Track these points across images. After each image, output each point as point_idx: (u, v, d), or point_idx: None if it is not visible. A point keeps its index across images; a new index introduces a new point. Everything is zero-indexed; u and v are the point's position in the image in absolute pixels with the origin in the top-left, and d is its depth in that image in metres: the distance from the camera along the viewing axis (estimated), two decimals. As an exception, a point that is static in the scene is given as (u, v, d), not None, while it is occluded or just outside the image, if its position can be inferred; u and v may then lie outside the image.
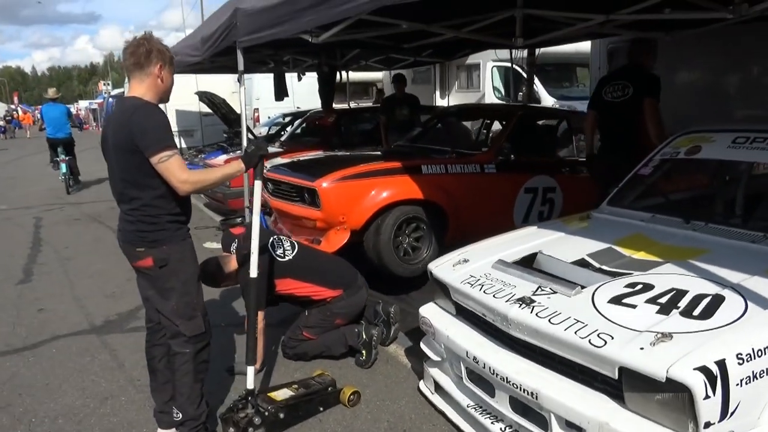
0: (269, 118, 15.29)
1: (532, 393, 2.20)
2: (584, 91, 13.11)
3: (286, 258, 3.37)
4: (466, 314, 2.75)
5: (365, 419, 2.92)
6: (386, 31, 5.43)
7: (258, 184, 2.70)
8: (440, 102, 13.50)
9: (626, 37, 6.87)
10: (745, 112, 7.84)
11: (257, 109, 16.09)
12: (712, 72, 8.20)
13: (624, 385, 1.97)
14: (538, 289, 2.45)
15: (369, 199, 4.21)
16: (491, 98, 12.74)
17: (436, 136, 5.58)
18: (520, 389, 2.26)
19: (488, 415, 2.54)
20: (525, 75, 12.41)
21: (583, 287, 2.37)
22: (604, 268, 2.57)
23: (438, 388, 2.98)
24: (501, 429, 2.45)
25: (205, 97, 10.89)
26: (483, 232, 4.79)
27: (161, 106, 2.55)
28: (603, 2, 4.71)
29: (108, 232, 7.36)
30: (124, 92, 3.06)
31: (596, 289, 2.34)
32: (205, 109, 13.62)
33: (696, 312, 2.06)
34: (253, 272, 2.70)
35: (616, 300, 2.24)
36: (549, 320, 2.21)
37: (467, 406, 2.66)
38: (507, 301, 2.41)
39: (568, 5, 4.93)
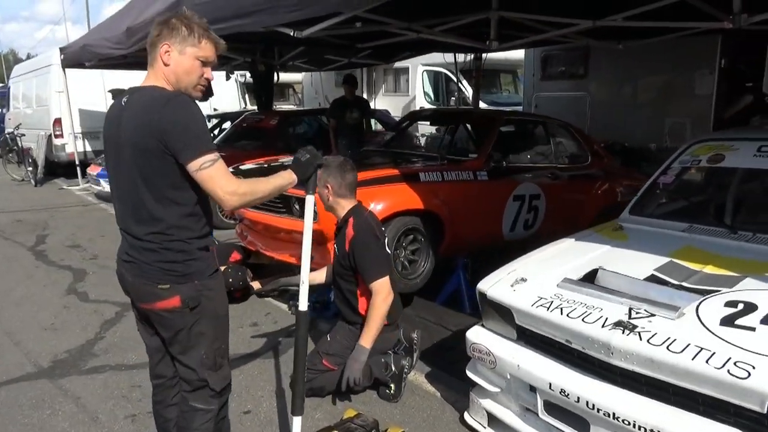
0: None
1: (651, 429, 1.98)
2: (510, 97, 13.49)
3: (389, 252, 3.12)
4: (533, 340, 2.49)
5: (417, 463, 2.58)
6: (347, 30, 5.09)
7: (310, 200, 2.28)
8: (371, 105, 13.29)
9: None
10: (673, 120, 8.31)
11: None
12: (639, 82, 8.63)
13: (772, 419, 1.79)
14: (631, 311, 2.23)
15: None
16: (422, 102, 12.70)
17: (410, 142, 5.30)
18: (634, 425, 2.03)
19: (577, 453, 2.29)
20: (455, 79, 12.56)
21: (680, 308, 2.19)
22: (686, 285, 2.41)
23: (493, 421, 2.70)
24: (597, 468, 2.21)
25: (120, 94, 9.86)
26: (475, 243, 4.65)
27: None
28: (588, 7, 4.67)
29: (20, 249, 6.37)
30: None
31: (697, 310, 2.17)
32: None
33: (825, 333, 1.94)
34: (303, 305, 2.27)
35: (728, 322, 2.08)
36: (667, 348, 2.00)
37: (545, 443, 2.41)
38: (603, 327, 2.18)
39: (546, 8, 4.86)
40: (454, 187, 4.28)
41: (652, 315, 2.19)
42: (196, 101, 1.98)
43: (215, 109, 12.52)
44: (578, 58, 9.42)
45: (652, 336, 2.07)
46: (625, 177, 5.73)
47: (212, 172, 1.85)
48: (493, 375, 2.63)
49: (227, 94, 13.71)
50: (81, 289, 4.97)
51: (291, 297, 3.83)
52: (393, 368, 3.04)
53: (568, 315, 2.31)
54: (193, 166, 1.83)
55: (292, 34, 4.23)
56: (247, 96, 16.37)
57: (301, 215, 3.81)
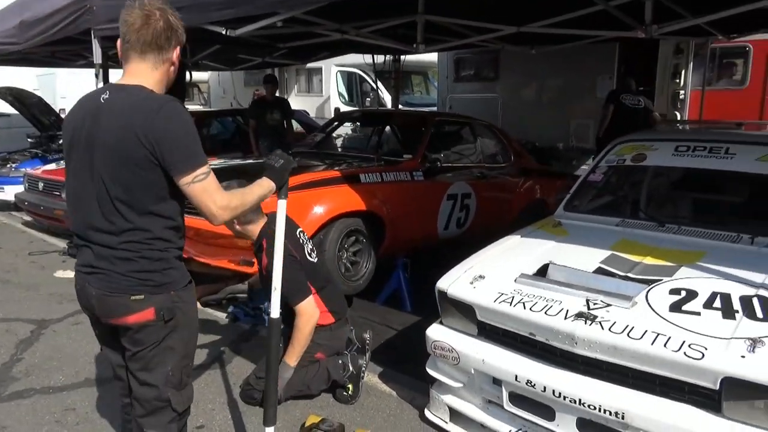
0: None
1: (617, 413, 2.12)
2: (423, 98, 13.76)
3: (314, 258, 2.91)
4: (495, 335, 2.57)
5: (385, 464, 2.59)
6: (272, 30, 5.00)
7: (283, 205, 2.21)
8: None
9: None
10: (577, 121, 8.88)
11: (63, 109, 13.88)
12: (546, 85, 9.14)
13: (724, 395, 1.98)
14: (588, 302, 2.37)
15: (315, 212, 3.79)
16: (337, 103, 12.66)
17: (340, 143, 5.28)
18: (599, 410, 2.16)
19: (542, 440, 2.40)
20: (369, 80, 12.64)
21: (632, 297, 2.35)
22: (631, 275, 2.59)
23: (455, 416, 2.76)
24: (563, 453, 2.33)
25: (9, 94, 9.02)
26: (413, 243, 4.72)
27: None
28: (508, 14, 4.89)
29: None
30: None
31: (647, 299, 2.35)
32: (-3, 108, 11.42)
33: (759, 314, 2.16)
34: (275, 312, 2.20)
35: (676, 308, 2.27)
36: (627, 335, 2.15)
37: (510, 433, 2.50)
38: (566, 319, 2.30)
39: (469, 14, 5.03)
40: (393, 188, 4.32)
41: (608, 305, 2.34)
42: None
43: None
44: (489, 61, 9.82)
45: (612, 324, 2.21)
46: (542, 175, 6.05)
47: (206, 186, 1.74)
48: (455, 371, 2.69)
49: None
50: (-16, 307, 4.51)
51: (236, 305, 3.71)
52: (351, 368, 3.03)
53: (530, 309, 2.42)
54: (186, 180, 1.71)
55: (224, 32, 4.07)
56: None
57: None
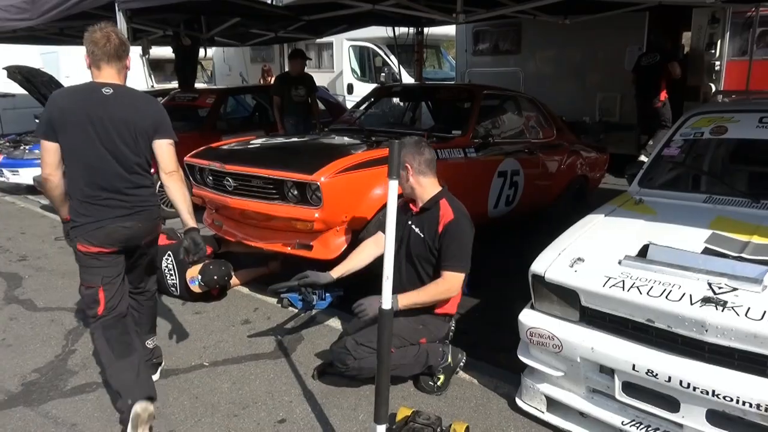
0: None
1: (758, 405, 1.98)
2: (437, 72, 13.49)
3: None
4: (600, 321, 2.42)
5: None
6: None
7: (394, 185, 2.02)
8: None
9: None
10: (604, 94, 8.67)
11: (69, 88, 13.55)
12: (571, 58, 8.89)
13: None
14: (710, 286, 2.22)
15: (374, 193, 3.61)
16: (350, 79, 12.39)
17: (383, 119, 5.08)
18: (737, 401, 2.02)
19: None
20: (383, 55, 12.35)
21: (761, 281, 2.20)
22: (745, 256, 2.44)
23: (552, 405, 2.63)
24: (686, 445, 2.20)
25: (18, 73, 8.71)
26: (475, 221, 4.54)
27: None
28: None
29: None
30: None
31: (775, 281, 2.20)
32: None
33: None
34: (387, 303, 2.03)
35: (811, 291, 2.12)
36: (768, 322, 2.00)
37: (623, 424, 2.36)
38: (692, 304, 2.15)
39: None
40: (447, 165, 4.14)
41: (735, 289, 2.19)
42: None
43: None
44: (510, 34, 9.55)
45: (748, 310, 2.07)
46: (584, 150, 5.87)
47: (173, 149, 2.70)
48: (554, 359, 2.55)
49: (133, 73, 12.61)
50: (23, 297, 4.33)
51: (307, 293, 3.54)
52: (449, 359, 2.89)
53: (648, 294, 2.26)
54: (165, 142, 2.67)
55: (270, 2, 3.84)
56: (152, 75, 15.24)
57: (299, 201, 3.54)
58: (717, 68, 7.19)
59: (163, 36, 8.84)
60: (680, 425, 2.22)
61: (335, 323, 3.74)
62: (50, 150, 2.55)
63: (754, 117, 3.33)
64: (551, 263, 2.59)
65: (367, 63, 12.62)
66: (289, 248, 3.72)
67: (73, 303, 4.13)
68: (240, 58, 14.99)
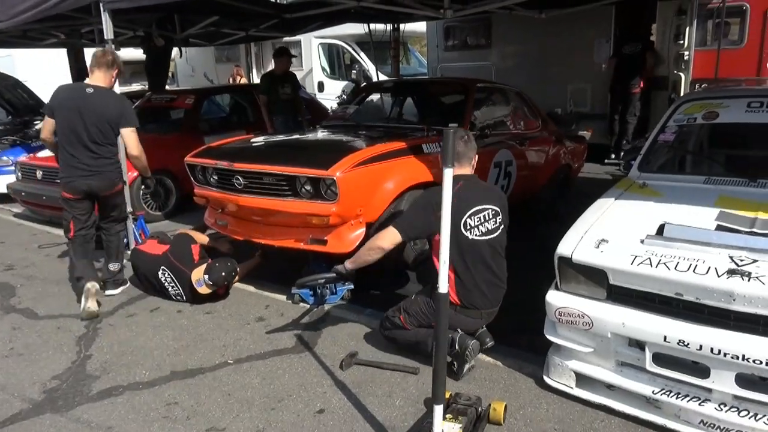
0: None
1: (786, 365, 2.15)
2: (406, 68, 13.56)
3: (474, 236, 2.96)
4: (627, 298, 2.55)
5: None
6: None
7: (449, 173, 2.09)
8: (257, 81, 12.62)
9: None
10: (575, 85, 8.92)
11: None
12: (542, 51, 9.09)
13: None
14: (732, 259, 2.38)
15: (387, 186, 3.67)
16: (320, 77, 12.37)
17: (375, 114, 5.14)
18: (765, 363, 2.18)
19: (691, 398, 2.42)
20: (353, 52, 12.37)
21: (776, 252, 2.37)
22: (757, 231, 2.62)
23: (581, 381, 2.75)
24: (717, 407, 2.36)
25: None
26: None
27: None
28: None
29: None
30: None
31: (791, 252, 2.37)
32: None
33: None
34: (443, 287, 2.10)
35: (823, 259, 2.30)
36: (794, 289, 2.17)
37: (653, 393, 2.50)
38: (720, 276, 2.30)
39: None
40: (450, 157, 4.22)
41: (756, 260, 2.35)
42: None
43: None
44: (481, 28, 9.73)
45: (772, 279, 2.23)
46: (565, 141, 6.06)
47: (135, 135, 3.98)
48: (583, 336, 2.67)
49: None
50: (20, 306, 4.21)
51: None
52: (457, 346, 2.96)
53: (675, 269, 2.41)
54: (128, 130, 3.94)
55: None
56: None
57: (313, 197, 3.57)
58: (686, 58, 7.51)
59: (131, 37, 8.67)
60: (709, 390, 2.38)
61: (349, 316, 3.78)
62: (48, 123, 3.97)
63: (742, 102, 3.55)
64: (576, 245, 2.71)
65: (336, 60, 12.62)
66: (302, 244, 3.75)
67: (74, 310, 4.05)
68: (203, 58, 14.75)
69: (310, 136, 4.62)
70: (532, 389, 2.89)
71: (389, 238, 2.97)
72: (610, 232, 2.77)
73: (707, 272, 2.34)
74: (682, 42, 7.57)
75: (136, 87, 15.35)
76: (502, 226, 3.11)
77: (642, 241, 2.63)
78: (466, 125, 4.58)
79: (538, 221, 5.55)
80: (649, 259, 2.50)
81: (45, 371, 3.25)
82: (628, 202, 3.17)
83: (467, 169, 3.14)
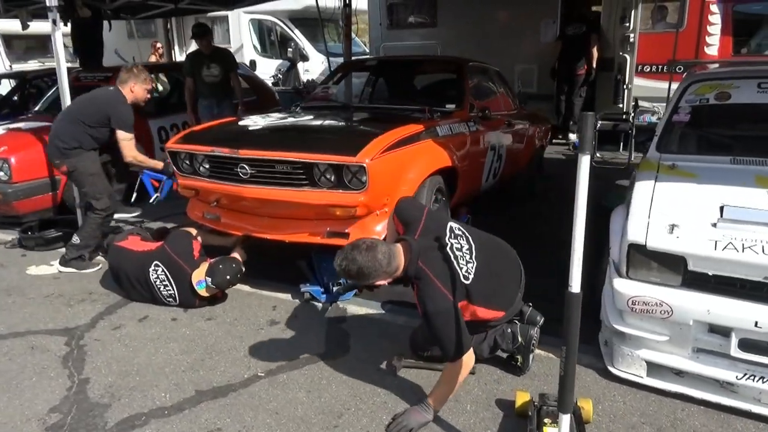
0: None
1: None
2: (338, 47, 13.12)
3: (472, 273, 2.50)
4: (705, 284, 2.50)
5: None
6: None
7: (586, 161, 1.87)
8: (180, 58, 11.69)
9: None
10: (522, 66, 9.01)
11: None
12: (489, 30, 9.06)
13: None
14: (815, 241, 2.38)
15: (412, 172, 3.41)
16: (251, 54, 11.68)
17: (364, 93, 4.83)
18: None
19: (778, 381, 2.42)
20: (286, 28, 11.78)
21: None
22: (818, 211, 2.65)
23: (652, 370, 2.69)
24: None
25: None
26: (468, 197, 4.49)
27: None
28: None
29: None
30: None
31: None
32: None
33: None
34: (576, 286, 1.90)
35: None
36: None
37: (737, 378, 2.48)
38: (813, 259, 2.29)
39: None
40: (459, 140, 4.05)
41: (838, 242, 2.36)
42: None
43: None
44: (426, 6, 9.56)
45: None
46: (538, 120, 6.06)
47: (123, 134, 4.24)
48: (659, 324, 2.60)
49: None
50: (-29, 323, 3.55)
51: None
52: (520, 339, 2.82)
53: (764, 252, 2.37)
54: (119, 132, 4.22)
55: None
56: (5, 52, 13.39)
57: (335, 186, 3.26)
58: (631, 40, 7.75)
59: (44, 7, 7.63)
60: (802, 371, 2.38)
61: (370, 312, 3.52)
62: None
63: (752, 83, 3.62)
64: (647, 232, 2.62)
65: (267, 38, 11.96)
66: (318, 238, 3.41)
67: (45, 325, 3.47)
68: (113, 33, 13.44)
69: (305, 118, 4.20)
70: (598, 381, 2.80)
71: (471, 360, 2.48)
72: (676, 216, 2.70)
73: (797, 255, 2.33)
74: (627, 24, 7.79)
75: (33, 65, 13.88)
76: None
77: (714, 225, 2.58)
78: (466, 106, 4.40)
79: (513, 201, 5.52)
80: (731, 243, 2.46)
81: (37, 403, 2.72)
82: (670, 184, 3.11)
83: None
